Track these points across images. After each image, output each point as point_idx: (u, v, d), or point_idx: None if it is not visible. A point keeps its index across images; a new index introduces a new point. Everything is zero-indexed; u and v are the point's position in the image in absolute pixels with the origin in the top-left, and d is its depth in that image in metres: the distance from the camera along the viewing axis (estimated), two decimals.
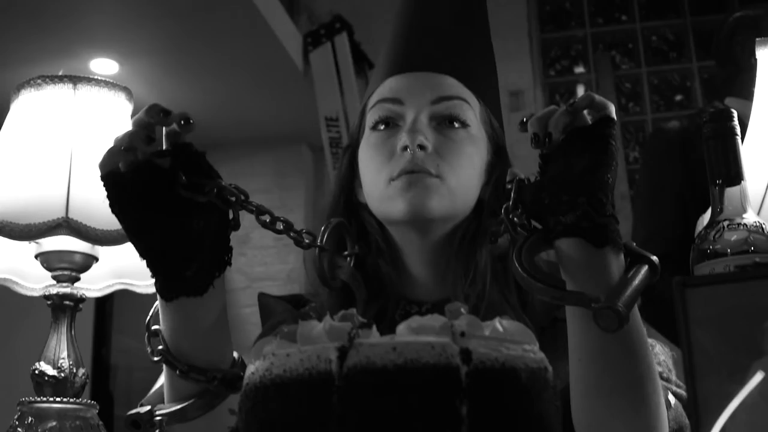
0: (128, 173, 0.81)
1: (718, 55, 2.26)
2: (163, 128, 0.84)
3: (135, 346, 4.33)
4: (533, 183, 0.86)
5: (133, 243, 0.86)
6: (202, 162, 0.84)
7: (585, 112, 0.86)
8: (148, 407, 0.90)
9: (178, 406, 0.89)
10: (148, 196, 0.82)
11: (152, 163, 0.81)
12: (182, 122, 0.81)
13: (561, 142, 0.85)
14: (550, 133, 0.85)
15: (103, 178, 0.83)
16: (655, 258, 0.84)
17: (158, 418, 0.89)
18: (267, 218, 0.90)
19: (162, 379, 0.97)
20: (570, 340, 0.88)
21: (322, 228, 1.02)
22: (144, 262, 0.86)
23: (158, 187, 0.82)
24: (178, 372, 0.88)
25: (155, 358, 0.89)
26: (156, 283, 0.87)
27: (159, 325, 0.90)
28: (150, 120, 0.81)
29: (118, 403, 4.27)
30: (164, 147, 0.83)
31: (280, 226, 0.91)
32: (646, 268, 0.82)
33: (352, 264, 1.09)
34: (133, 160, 0.81)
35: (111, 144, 0.83)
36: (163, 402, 0.92)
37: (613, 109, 0.86)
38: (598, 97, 0.86)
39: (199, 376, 0.88)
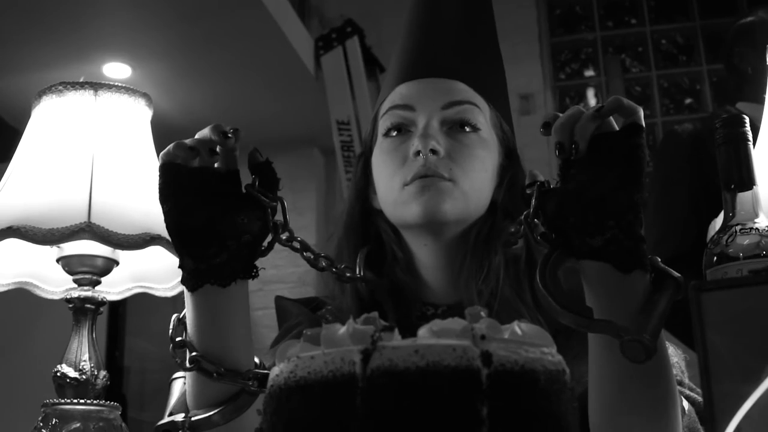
0: (185, 168, 0.87)
1: (725, 61, 2.29)
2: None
3: (148, 349, 4.35)
4: (555, 189, 0.83)
5: (171, 225, 0.88)
6: (275, 180, 0.90)
7: (612, 117, 0.83)
8: (182, 415, 0.89)
9: (215, 411, 0.89)
10: (201, 190, 0.86)
11: (209, 169, 0.87)
12: (231, 130, 0.88)
13: (586, 148, 0.82)
14: (576, 141, 0.82)
15: (162, 166, 0.87)
16: (679, 276, 0.82)
17: (193, 422, 0.88)
18: (311, 255, 0.96)
19: (178, 389, 0.98)
20: (590, 356, 0.88)
21: (357, 258, 1.09)
22: (175, 243, 0.88)
23: (212, 184, 0.87)
24: (215, 375, 0.88)
25: (189, 366, 0.89)
26: (183, 273, 0.89)
27: (183, 336, 0.91)
28: (213, 138, 0.86)
29: (132, 405, 4.27)
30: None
31: (322, 263, 0.97)
32: (671, 290, 0.81)
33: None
34: (190, 163, 0.87)
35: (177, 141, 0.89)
36: (187, 410, 0.92)
37: (641, 115, 0.82)
38: (626, 101, 0.82)
39: (236, 377, 0.89)
